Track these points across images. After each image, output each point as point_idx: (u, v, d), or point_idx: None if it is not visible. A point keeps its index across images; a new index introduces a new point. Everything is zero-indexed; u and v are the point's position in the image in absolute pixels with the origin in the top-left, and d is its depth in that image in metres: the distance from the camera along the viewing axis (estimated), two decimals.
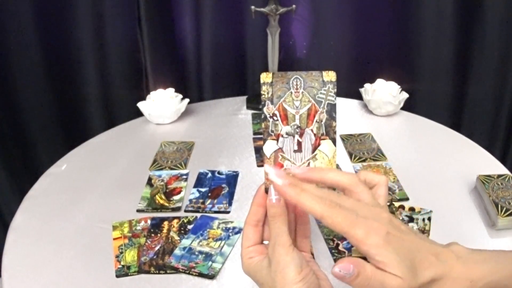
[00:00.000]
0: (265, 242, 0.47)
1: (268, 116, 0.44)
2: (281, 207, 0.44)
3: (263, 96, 0.44)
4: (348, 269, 0.36)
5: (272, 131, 0.45)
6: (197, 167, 0.85)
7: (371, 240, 0.36)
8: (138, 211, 0.73)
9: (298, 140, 0.44)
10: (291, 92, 0.44)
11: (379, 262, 0.36)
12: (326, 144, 0.44)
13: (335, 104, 0.44)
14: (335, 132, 0.44)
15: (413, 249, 0.38)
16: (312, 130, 0.44)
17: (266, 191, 0.45)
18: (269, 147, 0.45)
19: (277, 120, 0.44)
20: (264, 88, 0.44)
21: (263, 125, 0.45)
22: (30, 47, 1.21)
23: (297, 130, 0.44)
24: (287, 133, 0.44)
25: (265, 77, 0.44)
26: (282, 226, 0.43)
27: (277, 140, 0.45)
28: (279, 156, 0.45)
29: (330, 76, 0.44)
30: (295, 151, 0.45)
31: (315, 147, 0.44)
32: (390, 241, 0.36)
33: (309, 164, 0.45)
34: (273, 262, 0.42)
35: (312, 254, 0.62)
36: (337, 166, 0.83)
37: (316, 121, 0.44)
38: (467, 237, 0.65)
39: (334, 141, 0.44)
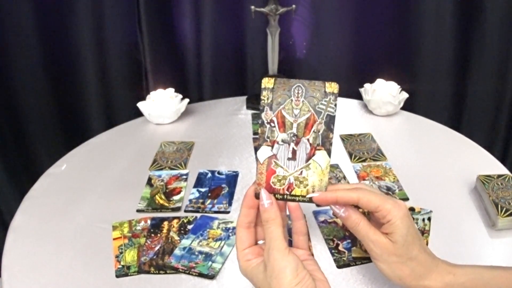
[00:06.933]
0: (260, 242, 0.47)
1: (265, 122, 0.44)
2: (274, 211, 0.44)
3: (263, 101, 0.44)
4: (339, 209, 0.45)
5: (268, 137, 0.44)
6: (197, 167, 0.85)
7: (394, 212, 0.44)
8: (138, 211, 0.73)
9: (293, 148, 0.44)
10: (292, 100, 0.44)
11: (390, 233, 0.45)
12: (320, 154, 0.44)
13: (334, 116, 0.44)
14: (331, 144, 0.44)
15: (416, 236, 0.46)
16: (308, 140, 0.44)
17: (257, 196, 0.45)
18: (263, 152, 0.45)
19: (274, 126, 0.44)
20: (264, 93, 0.44)
21: (259, 130, 0.44)
22: (30, 47, 1.21)
23: (293, 139, 0.44)
24: (283, 141, 0.44)
25: (266, 82, 0.44)
26: (276, 230, 0.43)
27: (272, 146, 0.44)
28: (272, 163, 0.45)
29: (332, 87, 0.44)
30: (289, 158, 0.45)
31: (309, 157, 0.44)
32: (405, 220, 0.45)
33: (301, 173, 0.45)
34: (269, 267, 0.42)
35: (311, 248, 0.62)
36: (337, 168, 0.83)
37: (313, 131, 0.44)
38: (467, 237, 0.65)
39: (329, 153, 0.44)
